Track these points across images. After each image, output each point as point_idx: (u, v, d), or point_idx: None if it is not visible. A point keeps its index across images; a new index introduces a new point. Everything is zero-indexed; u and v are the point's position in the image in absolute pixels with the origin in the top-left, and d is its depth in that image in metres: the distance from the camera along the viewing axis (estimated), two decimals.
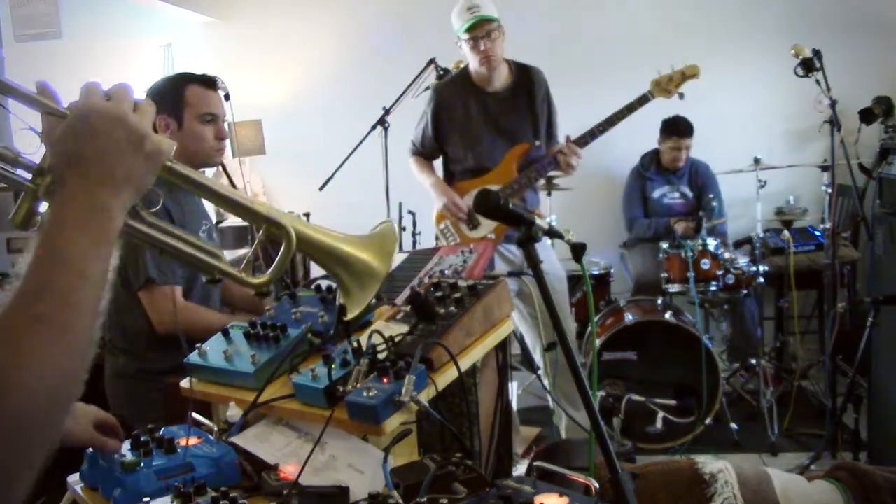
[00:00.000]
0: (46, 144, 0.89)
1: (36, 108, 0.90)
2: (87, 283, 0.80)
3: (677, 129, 4.51)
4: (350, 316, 1.17)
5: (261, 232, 1.08)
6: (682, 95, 3.43)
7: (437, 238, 3.59)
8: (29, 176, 0.91)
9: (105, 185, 0.85)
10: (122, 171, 0.86)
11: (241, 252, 3.90)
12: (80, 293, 0.79)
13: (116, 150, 0.86)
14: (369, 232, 1.24)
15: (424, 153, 3.60)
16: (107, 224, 0.84)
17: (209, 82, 2.41)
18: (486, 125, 3.42)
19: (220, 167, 3.81)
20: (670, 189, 4.65)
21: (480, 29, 3.26)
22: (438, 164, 3.68)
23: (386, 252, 1.18)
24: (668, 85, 3.40)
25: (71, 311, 0.77)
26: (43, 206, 0.92)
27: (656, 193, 4.67)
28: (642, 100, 3.37)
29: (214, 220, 2.77)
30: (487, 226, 3.44)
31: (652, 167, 4.68)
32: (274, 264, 1.06)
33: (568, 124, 3.49)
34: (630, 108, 3.35)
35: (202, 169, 2.44)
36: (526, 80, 3.44)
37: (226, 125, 2.46)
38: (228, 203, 1.08)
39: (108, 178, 0.85)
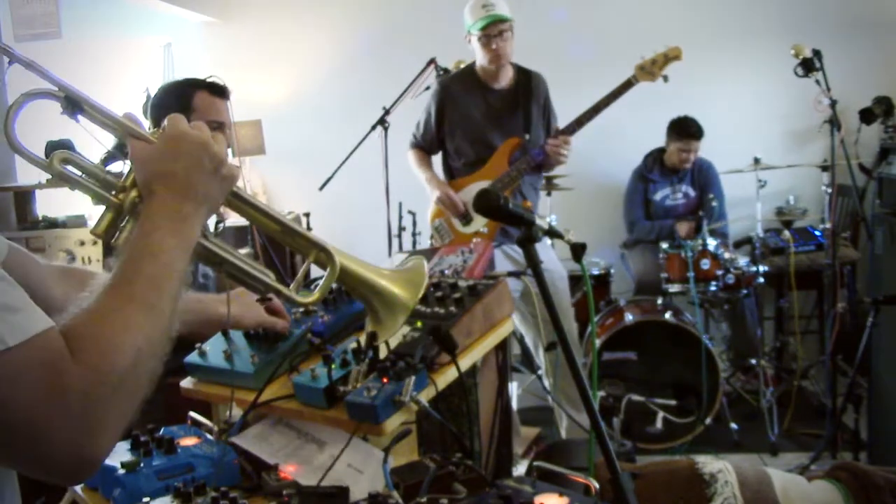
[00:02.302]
0: (135, 164, 1.00)
1: (123, 134, 1.00)
2: (172, 274, 0.93)
3: (688, 131, 4.44)
4: (380, 341, 1.32)
5: (310, 256, 1.21)
6: (666, 78, 3.43)
7: (431, 236, 3.61)
8: (111, 191, 1.02)
9: (189, 199, 0.98)
10: (202, 189, 1.00)
11: (241, 252, 3.90)
12: (166, 281, 0.92)
13: (200, 171, 0.99)
14: (400, 265, 1.36)
15: (424, 146, 3.62)
16: (189, 231, 0.98)
17: (218, 90, 2.40)
18: (488, 121, 3.46)
19: None
20: (672, 191, 4.64)
21: (494, 28, 3.32)
22: (437, 161, 3.69)
23: (416, 285, 1.29)
24: (651, 68, 3.41)
25: (158, 293, 0.90)
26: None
27: (658, 196, 4.66)
28: (626, 84, 3.38)
29: (215, 221, 2.77)
30: (479, 221, 3.47)
31: (655, 169, 4.65)
32: (318, 287, 1.20)
33: (563, 122, 3.49)
34: (615, 94, 3.36)
35: None
36: (527, 82, 3.51)
37: (227, 128, 2.45)
38: (283, 229, 1.20)
39: (192, 194, 0.98)
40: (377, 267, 1.29)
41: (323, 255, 1.19)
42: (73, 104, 0.97)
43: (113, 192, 1.01)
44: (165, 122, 1.01)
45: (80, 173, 1.01)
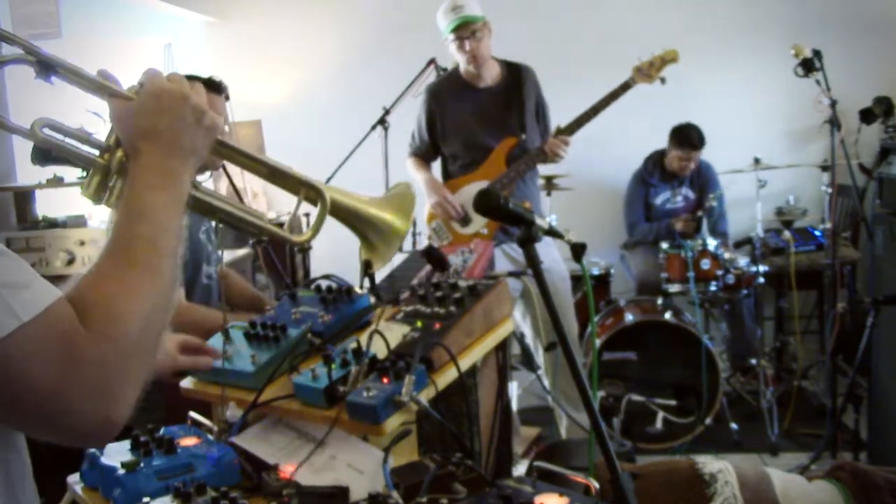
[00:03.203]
0: (116, 123, 1.00)
1: (100, 93, 0.99)
2: (168, 233, 0.93)
3: (690, 141, 4.43)
4: (376, 269, 1.35)
5: (300, 195, 1.21)
6: (663, 80, 3.47)
7: (429, 237, 3.59)
8: (96, 153, 1.02)
9: (175, 154, 0.98)
10: (188, 142, 0.99)
11: (241, 252, 3.92)
12: (163, 240, 0.92)
13: (183, 124, 0.99)
14: (388, 192, 1.37)
15: (420, 154, 3.62)
16: (179, 187, 0.98)
17: (215, 86, 2.41)
18: (479, 121, 3.46)
19: (221, 167, 3.81)
20: (672, 195, 4.64)
21: (465, 29, 3.33)
22: (436, 169, 3.68)
23: (406, 210, 1.31)
24: (649, 70, 3.45)
25: (157, 254, 0.90)
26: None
27: (659, 200, 4.66)
28: (625, 86, 3.42)
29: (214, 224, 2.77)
30: (478, 222, 3.46)
31: (655, 172, 4.65)
32: (312, 223, 1.21)
33: (563, 122, 3.49)
34: (613, 95, 3.40)
35: (201, 174, 2.45)
36: (516, 77, 3.50)
37: (227, 129, 2.46)
38: (271, 171, 1.21)
39: (178, 149, 0.98)
40: (367, 197, 1.30)
41: (312, 192, 1.21)
42: (46, 67, 0.95)
43: (98, 154, 1.01)
44: (143, 77, 1.01)
45: (62, 137, 1.00)
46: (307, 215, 4.33)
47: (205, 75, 2.43)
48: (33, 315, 0.77)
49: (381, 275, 2.10)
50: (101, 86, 0.99)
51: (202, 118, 1.01)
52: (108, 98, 0.99)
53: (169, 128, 0.98)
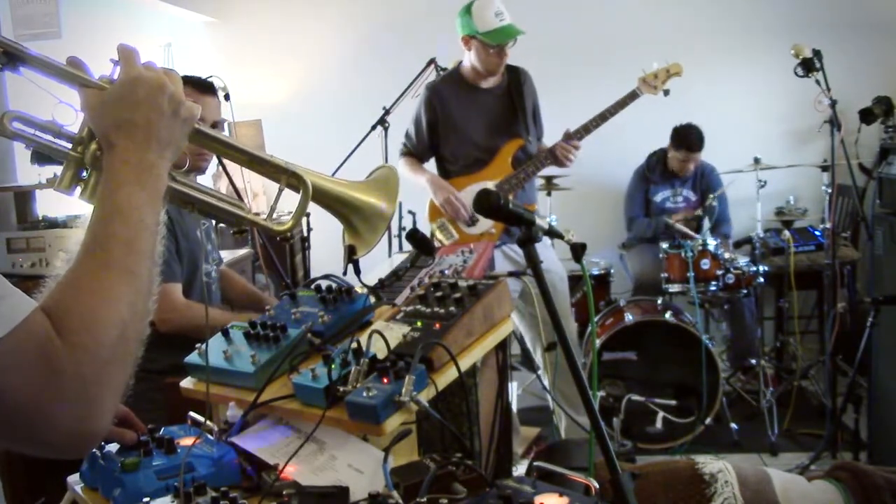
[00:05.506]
0: (89, 114, 0.95)
1: (71, 83, 0.95)
2: (147, 232, 0.89)
3: (688, 142, 4.45)
4: (361, 254, 1.32)
5: (282, 182, 1.19)
6: (666, 92, 3.55)
7: (432, 234, 3.56)
8: (69, 146, 0.98)
9: (151, 147, 0.93)
10: (164, 134, 0.95)
11: (241, 252, 3.92)
12: (141, 241, 0.88)
13: (159, 116, 0.94)
14: (370, 176, 1.34)
15: (415, 153, 3.59)
16: (157, 181, 0.93)
17: (203, 86, 2.39)
18: (481, 120, 3.46)
19: (221, 167, 3.82)
20: (673, 194, 4.65)
21: (509, 41, 3.32)
22: (431, 166, 3.68)
23: (391, 194, 1.28)
24: (654, 82, 3.52)
25: (135, 256, 0.87)
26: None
27: (659, 197, 4.67)
28: (632, 96, 3.48)
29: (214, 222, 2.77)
30: (486, 222, 3.45)
31: (657, 170, 4.66)
32: (294, 211, 1.17)
33: (568, 123, 3.49)
34: (621, 104, 3.45)
35: (193, 173, 2.44)
36: (516, 79, 3.50)
37: (226, 127, 2.45)
38: (250, 158, 1.18)
39: (154, 141, 0.93)
40: (350, 181, 1.28)
41: (294, 179, 1.18)
42: (13, 57, 0.91)
43: (71, 147, 0.97)
44: (119, 56, 0.96)
45: (33, 131, 0.96)
46: (308, 215, 4.35)
47: (207, 76, 2.42)
48: (9, 329, 0.74)
49: (382, 272, 2.10)
50: (71, 75, 0.94)
51: (179, 108, 0.97)
52: (80, 88, 0.95)
53: (144, 119, 0.93)
